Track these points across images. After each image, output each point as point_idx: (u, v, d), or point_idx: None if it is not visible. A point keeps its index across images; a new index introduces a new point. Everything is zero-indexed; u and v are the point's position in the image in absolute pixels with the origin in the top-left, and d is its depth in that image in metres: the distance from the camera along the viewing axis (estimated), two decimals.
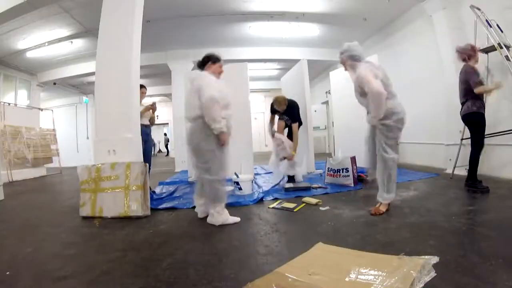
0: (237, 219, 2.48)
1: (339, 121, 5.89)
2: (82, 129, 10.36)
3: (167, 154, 16.21)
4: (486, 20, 3.52)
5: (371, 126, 2.65)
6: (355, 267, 1.40)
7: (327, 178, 3.98)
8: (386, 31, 6.03)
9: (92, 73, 4.92)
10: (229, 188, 3.74)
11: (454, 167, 3.89)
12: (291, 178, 4.04)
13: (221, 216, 2.43)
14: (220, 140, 2.41)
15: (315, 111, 9.64)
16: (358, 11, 5.25)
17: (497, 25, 3.49)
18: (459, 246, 1.68)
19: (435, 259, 1.41)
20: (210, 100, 2.28)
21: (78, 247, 2.07)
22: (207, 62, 2.57)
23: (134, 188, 2.79)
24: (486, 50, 3.71)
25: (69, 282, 1.51)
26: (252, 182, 3.99)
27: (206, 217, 2.53)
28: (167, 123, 14.47)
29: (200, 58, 2.66)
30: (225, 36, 6.28)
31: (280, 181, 4.08)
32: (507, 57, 3.32)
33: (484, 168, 3.89)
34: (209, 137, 2.39)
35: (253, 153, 4.60)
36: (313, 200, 2.94)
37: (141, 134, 3.25)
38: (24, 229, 2.59)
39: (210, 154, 2.41)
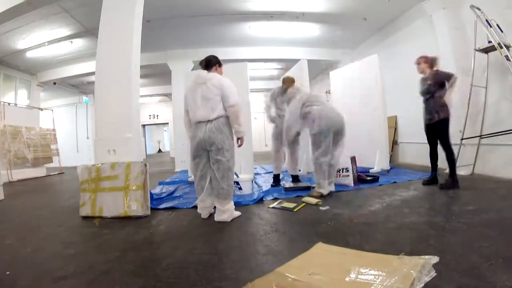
0: (239, 213, 2.66)
1: None
2: (82, 129, 10.35)
3: None
4: (486, 20, 3.52)
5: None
6: (355, 267, 1.39)
7: None
8: (386, 31, 6.03)
9: (92, 73, 4.92)
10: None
11: (454, 167, 3.88)
12: (294, 178, 4.04)
13: (233, 212, 2.57)
14: (240, 141, 2.63)
15: None
16: (358, 11, 5.24)
17: (497, 25, 3.49)
18: (459, 246, 1.68)
19: (435, 259, 1.41)
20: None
21: (78, 247, 2.07)
22: (215, 63, 2.66)
23: (134, 188, 2.79)
24: (486, 50, 3.72)
25: (69, 282, 1.51)
26: (252, 182, 3.99)
27: (209, 216, 2.63)
28: (167, 123, 14.46)
29: (200, 58, 2.69)
30: (225, 36, 6.28)
31: (280, 181, 4.08)
32: (507, 57, 3.33)
33: (485, 168, 3.90)
34: (231, 135, 2.57)
35: (253, 153, 4.60)
36: (313, 200, 2.94)
37: None
38: (24, 229, 2.59)
39: (232, 151, 2.57)
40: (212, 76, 2.54)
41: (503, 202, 2.63)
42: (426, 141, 3.50)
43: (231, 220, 2.51)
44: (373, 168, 4.52)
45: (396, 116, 5.98)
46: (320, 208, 2.75)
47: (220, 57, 2.75)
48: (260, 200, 3.17)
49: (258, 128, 11.73)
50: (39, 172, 7.13)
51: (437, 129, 3.28)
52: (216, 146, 2.47)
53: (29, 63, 6.97)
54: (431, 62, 3.33)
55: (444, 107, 3.20)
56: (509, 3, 3.53)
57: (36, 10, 4.45)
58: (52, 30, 5.33)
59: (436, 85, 3.21)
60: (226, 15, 5.29)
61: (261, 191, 3.65)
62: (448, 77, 3.14)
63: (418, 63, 3.38)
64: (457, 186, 3.18)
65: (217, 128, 2.47)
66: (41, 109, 8.07)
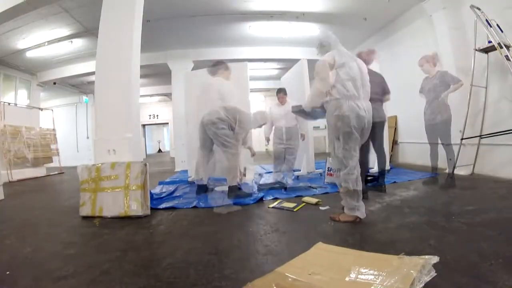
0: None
1: None
2: (82, 129, 10.35)
3: None
4: (486, 20, 3.52)
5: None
6: (355, 267, 1.39)
7: (327, 178, 3.98)
8: (386, 31, 6.03)
9: (92, 73, 4.92)
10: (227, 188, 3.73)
11: (454, 167, 3.89)
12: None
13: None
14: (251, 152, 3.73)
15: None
16: (358, 11, 5.25)
17: (497, 25, 3.49)
18: (459, 246, 1.68)
19: (435, 259, 1.41)
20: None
21: (78, 247, 2.07)
22: (221, 68, 3.27)
23: (134, 188, 2.79)
24: (486, 50, 3.71)
25: (69, 281, 1.51)
26: (252, 182, 3.99)
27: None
28: (167, 123, 14.46)
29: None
30: (225, 36, 6.27)
31: (279, 181, 4.07)
32: (507, 57, 3.33)
33: (485, 168, 3.90)
34: (232, 131, 3.24)
35: None
36: (313, 200, 2.94)
37: None
38: (24, 229, 2.59)
39: (235, 143, 3.25)
40: (214, 80, 3.20)
41: (503, 202, 2.63)
42: (426, 141, 3.52)
43: (231, 220, 2.53)
44: (373, 168, 4.52)
45: (396, 116, 5.99)
46: (320, 208, 2.75)
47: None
48: (260, 200, 3.17)
49: (258, 127, 11.71)
50: (39, 172, 7.12)
51: (439, 129, 3.30)
52: (220, 142, 3.16)
53: (29, 63, 6.97)
54: (433, 60, 3.37)
55: (447, 107, 3.24)
56: (509, 3, 3.53)
57: (36, 10, 4.45)
58: (52, 30, 5.33)
59: (442, 85, 3.25)
60: (226, 15, 5.29)
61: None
62: (456, 81, 3.19)
63: (421, 65, 3.42)
64: (454, 185, 3.30)
65: (216, 126, 3.11)
66: (41, 109, 8.06)
